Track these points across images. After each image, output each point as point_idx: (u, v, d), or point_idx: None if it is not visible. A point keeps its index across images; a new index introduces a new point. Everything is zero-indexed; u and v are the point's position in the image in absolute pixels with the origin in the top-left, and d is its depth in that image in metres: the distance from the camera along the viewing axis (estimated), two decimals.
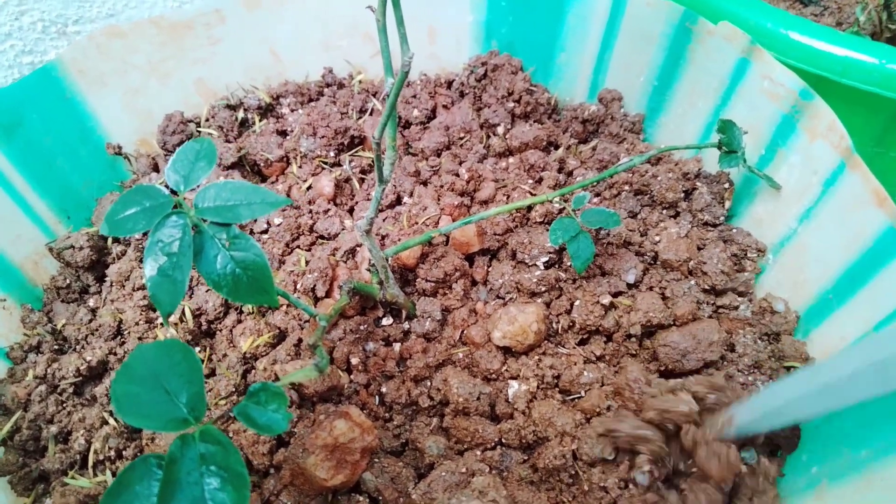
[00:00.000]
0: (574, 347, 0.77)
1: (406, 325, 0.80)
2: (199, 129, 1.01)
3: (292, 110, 1.03)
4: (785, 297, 0.77)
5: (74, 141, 0.92)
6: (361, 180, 0.96)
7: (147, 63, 0.96)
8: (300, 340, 0.76)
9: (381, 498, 0.65)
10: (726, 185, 0.86)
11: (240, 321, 0.81)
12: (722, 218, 0.85)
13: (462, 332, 0.80)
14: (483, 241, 0.84)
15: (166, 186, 0.52)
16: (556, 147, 0.98)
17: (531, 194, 0.88)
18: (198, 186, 0.51)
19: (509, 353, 0.78)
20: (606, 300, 0.78)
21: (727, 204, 0.85)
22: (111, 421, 0.71)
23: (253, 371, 0.75)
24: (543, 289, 0.81)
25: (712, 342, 0.72)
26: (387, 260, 0.75)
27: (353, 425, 0.64)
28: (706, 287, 0.78)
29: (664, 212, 0.86)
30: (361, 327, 0.79)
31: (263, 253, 0.48)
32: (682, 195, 0.86)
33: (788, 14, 0.87)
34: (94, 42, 0.91)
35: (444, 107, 1.04)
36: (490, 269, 0.85)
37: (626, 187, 0.88)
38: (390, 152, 0.65)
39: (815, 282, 0.74)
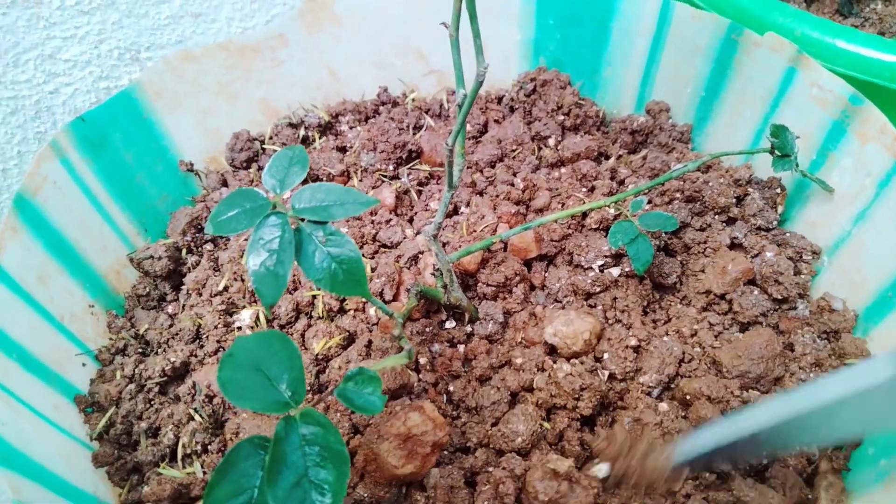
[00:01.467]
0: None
1: (468, 328, 0.84)
2: (263, 146, 1.07)
3: (351, 127, 1.08)
4: (842, 297, 0.79)
5: (151, 159, 0.98)
6: (419, 192, 1.01)
7: (216, 84, 1.02)
8: (370, 342, 0.80)
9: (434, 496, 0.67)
10: (778, 190, 0.88)
11: (310, 325, 0.85)
12: (775, 222, 0.87)
13: (522, 334, 0.83)
14: (540, 247, 0.88)
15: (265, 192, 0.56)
16: (607, 157, 1.02)
17: (585, 202, 0.91)
18: (292, 190, 0.56)
19: (554, 352, 0.80)
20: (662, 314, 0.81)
21: (780, 209, 0.87)
22: (196, 417, 0.75)
23: (327, 370, 0.78)
24: (598, 289, 0.84)
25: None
26: (451, 264, 0.79)
27: (426, 419, 0.67)
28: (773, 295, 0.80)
29: (716, 217, 0.89)
30: (427, 329, 0.82)
31: (357, 249, 0.52)
32: (734, 201, 0.88)
33: (834, 23, 0.89)
34: (169, 65, 0.97)
35: (496, 121, 1.09)
36: (547, 274, 0.88)
37: (678, 194, 0.91)
38: (459, 159, 0.68)
39: (873, 281, 0.76)
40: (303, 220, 0.54)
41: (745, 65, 0.92)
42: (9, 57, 1.01)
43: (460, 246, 0.88)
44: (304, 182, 1.01)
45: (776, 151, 0.80)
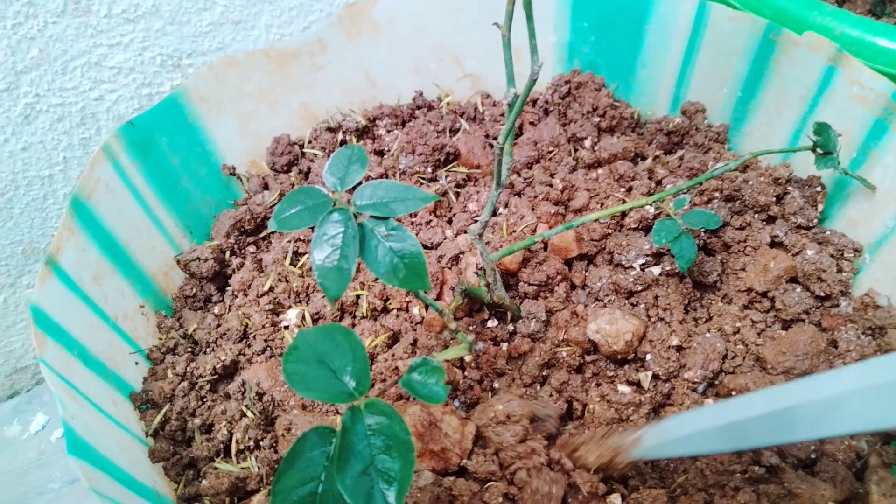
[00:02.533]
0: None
1: (511, 327, 0.85)
2: (303, 150, 1.09)
3: (388, 131, 1.10)
4: (886, 294, 0.79)
5: (196, 162, 1.00)
6: (457, 193, 1.02)
7: (258, 90, 1.04)
8: (415, 340, 0.81)
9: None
10: (818, 189, 0.89)
11: (354, 324, 0.86)
12: (815, 220, 0.87)
13: (565, 332, 0.83)
14: (581, 247, 0.88)
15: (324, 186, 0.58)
16: (643, 158, 1.02)
17: (624, 201, 0.92)
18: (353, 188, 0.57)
19: (596, 350, 0.81)
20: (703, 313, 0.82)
21: (820, 207, 0.88)
22: (248, 414, 0.77)
23: (373, 366, 0.80)
24: (640, 288, 0.85)
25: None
26: (494, 263, 0.80)
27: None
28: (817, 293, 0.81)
29: (756, 216, 0.89)
30: (470, 328, 0.83)
31: (419, 243, 0.54)
32: (774, 199, 0.89)
33: (874, 21, 0.89)
34: (213, 71, 0.99)
35: (531, 123, 1.10)
36: (588, 273, 0.89)
37: (717, 194, 0.91)
38: (508, 158, 0.70)
39: None
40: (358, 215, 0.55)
41: (784, 64, 0.92)
42: (57, 65, 1.03)
43: (501, 246, 0.89)
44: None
45: (818, 149, 0.81)
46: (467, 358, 0.80)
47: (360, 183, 0.57)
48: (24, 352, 1.22)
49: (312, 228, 0.55)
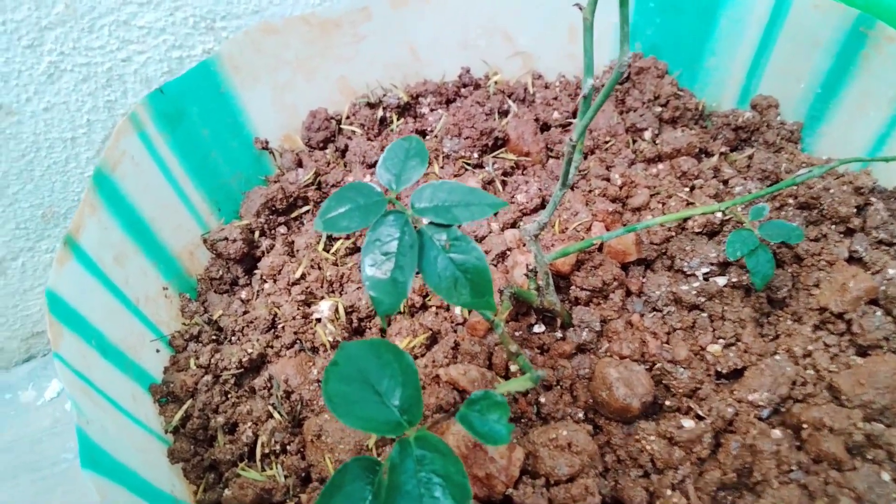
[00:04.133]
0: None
1: (559, 334, 0.78)
2: (340, 126, 1.02)
3: (432, 110, 1.03)
4: None
5: (226, 135, 0.93)
6: (504, 182, 0.95)
7: (296, 59, 0.97)
8: (457, 344, 0.75)
9: None
10: None
11: (390, 322, 0.80)
12: None
13: (617, 346, 0.77)
14: (640, 251, 0.81)
15: (378, 184, 0.51)
16: (708, 154, 0.95)
17: (689, 202, 0.85)
18: (413, 186, 0.51)
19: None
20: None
21: None
22: (275, 415, 0.71)
23: None
24: (703, 300, 0.78)
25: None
26: (548, 266, 0.73)
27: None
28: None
29: (833, 227, 0.81)
30: (516, 334, 0.77)
31: (484, 257, 0.47)
32: (855, 210, 0.81)
33: None
34: (249, 38, 0.93)
35: None
36: (645, 279, 0.82)
37: (791, 200, 0.83)
38: (578, 155, 0.63)
39: None
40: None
41: (873, 60, 0.84)
42: (84, 22, 0.97)
43: (552, 244, 0.82)
44: None
45: None
46: (512, 368, 0.74)
47: (418, 182, 0.51)
48: (41, 316, 1.18)
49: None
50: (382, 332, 0.79)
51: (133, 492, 0.56)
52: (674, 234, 0.83)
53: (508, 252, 0.84)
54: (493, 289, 0.78)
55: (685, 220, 0.83)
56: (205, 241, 0.88)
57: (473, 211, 0.48)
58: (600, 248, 0.83)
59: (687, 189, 0.88)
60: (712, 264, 0.79)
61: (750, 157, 0.91)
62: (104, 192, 0.74)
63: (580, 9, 0.56)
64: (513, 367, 0.74)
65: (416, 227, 0.48)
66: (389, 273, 0.46)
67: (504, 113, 1.02)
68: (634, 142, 0.97)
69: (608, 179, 0.89)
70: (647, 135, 0.96)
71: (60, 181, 1.16)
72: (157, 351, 0.78)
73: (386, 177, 0.51)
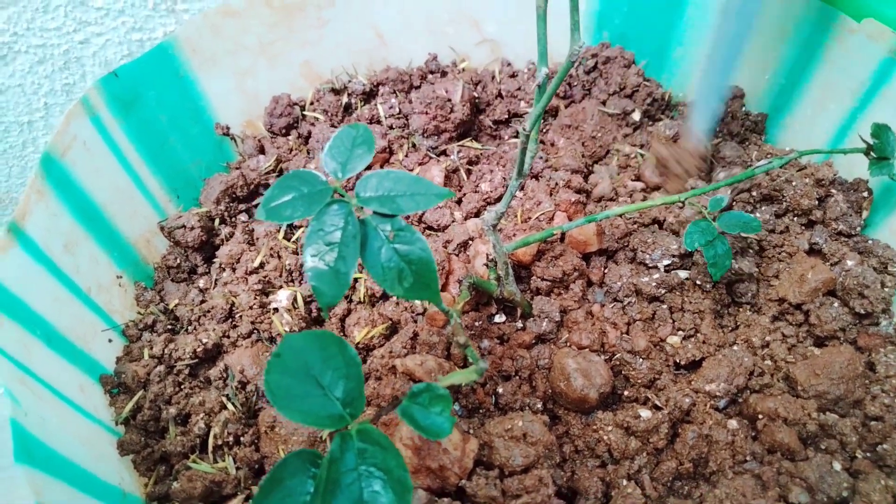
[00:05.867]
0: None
1: (520, 324, 0.78)
2: (304, 112, 1.00)
3: (396, 97, 1.01)
4: None
5: (185, 120, 0.91)
6: (468, 171, 0.94)
7: (258, 44, 0.95)
8: (416, 334, 0.74)
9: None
10: (864, 194, 0.81)
11: (350, 310, 0.79)
12: (858, 228, 0.80)
13: (577, 335, 0.76)
14: (602, 241, 0.81)
15: (325, 174, 0.50)
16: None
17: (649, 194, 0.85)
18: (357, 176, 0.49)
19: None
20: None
21: (865, 214, 0.80)
22: (229, 406, 0.70)
23: (369, 360, 0.73)
24: (663, 291, 0.78)
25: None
26: (507, 256, 0.72)
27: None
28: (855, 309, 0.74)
29: (795, 219, 0.82)
30: (476, 324, 0.77)
31: (429, 248, 0.46)
32: (816, 203, 0.81)
33: None
34: (208, 21, 0.90)
35: (557, 95, 1.01)
36: (607, 270, 0.81)
37: (754, 191, 0.83)
38: (533, 145, 0.62)
39: None
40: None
41: (836, 52, 0.84)
42: (38, 2, 0.94)
43: (514, 234, 0.82)
44: None
45: (873, 153, 0.73)
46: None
47: (364, 170, 0.50)
48: None
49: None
50: (341, 321, 0.78)
51: (74, 486, 0.55)
52: (637, 226, 0.83)
53: (471, 241, 0.83)
54: (452, 279, 0.78)
55: (648, 209, 0.83)
56: (162, 228, 0.86)
57: (418, 201, 0.47)
58: (562, 239, 0.82)
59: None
60: (674, 256, 0.78)
61: (716, 148, 0.91)
62: (53, 178, 0.72)
63: None
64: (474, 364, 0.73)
65: (360, 217, 0.47)
66: (332, 264, 0.45)
67: (472, 101, 1.01)
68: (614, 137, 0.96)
69: (575, 170, 0.89)
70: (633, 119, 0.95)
71: (18, 166, 1.14)
72: (110, 341, 0.77)
73: (331, 165, 0.49)
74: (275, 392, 0.46)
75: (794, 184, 0.81)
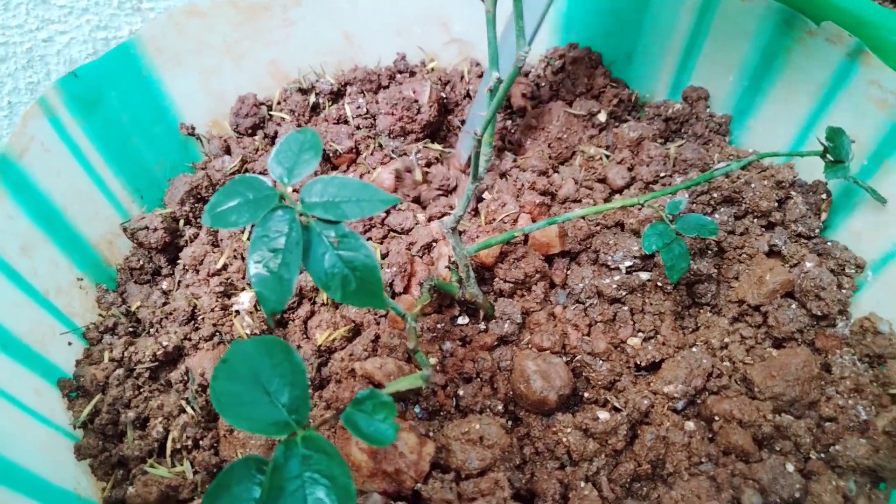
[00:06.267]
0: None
1: (483, 326, 0.78)
2: (270, 112, 1.00)
3: (363, 97, 1.01)
4: (888, 318, 0.73)
5: (149, 120, 0.91)
6: (426, 173, 0.94)
7: (223, 43, 0.95)
8: (377, 336, 0.74)
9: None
10: (823, 196, 0.82)
11: (313, 312, 0.79)
12: (818, 230, 0.81)
13: (538, 337, 0.77)
14: (564, 243, 0.81)
15: (262, 174, 0.50)
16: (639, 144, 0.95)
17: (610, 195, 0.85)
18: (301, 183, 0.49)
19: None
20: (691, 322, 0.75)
21: (824, 216, 0.81)
22: (188, 409, 0.70)
23: (329, 363, 0.73)
24: (624, 293, 0.79)
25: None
26: (469, 258, 0.73)
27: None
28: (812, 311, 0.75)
29: (755, 221, 0.82)
30: (438, 326, 0.77)
31: (373, 254, 0.46)
32: (776, 205, 0.82)
33: None
34: (172, 20, 0.90)
35: (524, 95, 1.01)
36: (570, 272, 0.82)
37: (715, 194, 0.84)
38: (487, 149, 0.62)
39: None
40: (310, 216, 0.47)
41: (797, 55, 0.84)
42: None
43: (479, 236, 0.82)
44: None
45: (829, 156, 0.73)
46: (432, 361, 0.73)
47: (311, 176, 0.50)
48: None
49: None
50: (304, 322, 0.78)
51: (25, 493, 0.55)
52: (599, 227, 0.83)
53: (434, 244, 0.83)
54: (415, 281, 0.78)
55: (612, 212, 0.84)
56: (124, 229, 0.85)
57: (364, 207, 0.47)
58: (525, 241, 0.82)
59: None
60: (635, 258, 0.79)
61: (679, 148, 0.92)
62: (8, 181, 0.71)
63: (482, 1, 0.55)
64: (432, 360, 0.74)
65: (304, 223, 0.47)
66: (276, 270, 0.45)
67: (438, 101, 1.01)
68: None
69: (541, 172, 0.89)
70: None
71: None
72: (70, 343, 0.76)
73: (277, 170, 0.49)
74: (220, 399, 0.46)
75: (753, 185, 0.81)
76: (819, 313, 0.74)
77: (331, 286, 0.46)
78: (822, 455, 0.67)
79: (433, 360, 0.74)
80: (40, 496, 0.56)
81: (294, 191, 0.51)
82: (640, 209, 0.82)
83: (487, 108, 0.56)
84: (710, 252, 0.80)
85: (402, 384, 0.51)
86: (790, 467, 0.65)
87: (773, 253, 0.81)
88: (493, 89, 0.56)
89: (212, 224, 0.47)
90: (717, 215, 0.82)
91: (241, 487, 0.45)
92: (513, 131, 0.99)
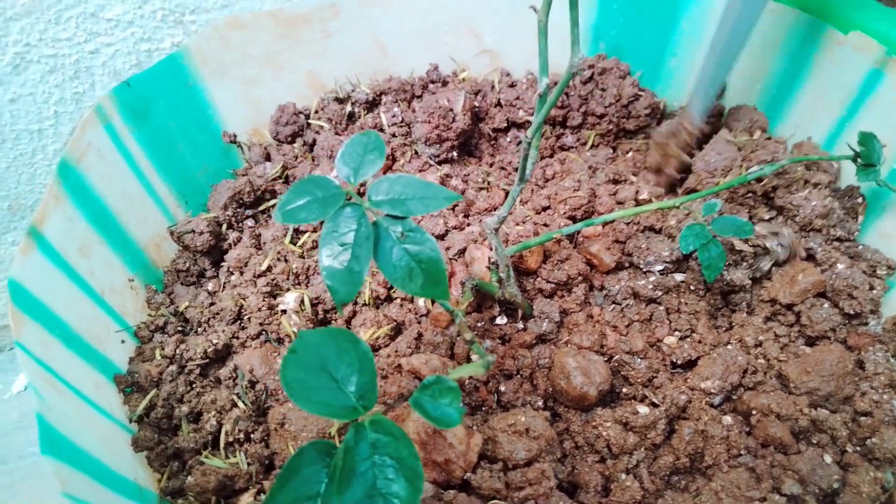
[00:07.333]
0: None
1: (521, 325, 0.80)
2: (308, 120, 1.03)
3: (398, 105, 1.04)
4: None
5: (194, 128, 0.94)
6: (465, 179, 0.97)
7: (264, 54, 0.98)
8: (420, 335, 0.77)
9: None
10: (859, 200, 0.84)
11: (356, 312, 0.82)
12: (855, 233, 0.83)
13: (577, 337, 0.79)
14: (612, 255, 0.83)
15: (336, 178, 0.52)
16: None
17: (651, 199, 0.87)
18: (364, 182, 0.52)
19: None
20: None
21: (860, 218, 0.83)
22: (240, 404, 0.72)
23: (376, 359, 0.75)
24: (660, 293, 0.81)
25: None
26: (509, 259, 0.75)
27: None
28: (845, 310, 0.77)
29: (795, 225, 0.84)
30: (479, 324, 0.79)
31: (438, 248, 0.49)
32: (819, 209, 0.84)
33: None
34: (217, 32, 0.93)
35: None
36: (606, 275, 0.84)
37: (750, 198, 0.86)
38: (534, 152, 0.64)
39: None
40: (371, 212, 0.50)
41: (825, 64, 0.87)
42: (51, 13, 0.97)
43: (520, 238, 0.84)
44: None
45: (860, 160, 0.76)
46: (473, 358, 0.76)
47: (375, 175, 0.52)
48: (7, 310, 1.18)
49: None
50: (347, 322, 0.81)
51: (94, 478, 0.57)
52: (635, 230, 0.85)
53: (468, 247, 0.85)
54: (455, 281, 0.80)
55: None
56: (171, 233, 0.88)
57: (428, 203, 0.49)
58: (575, 245, 0.85)
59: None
60: (666, 262, 0.81)
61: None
62: (69, 184, 0.74)
63: (535, 10, 0.58)
64: (474, 357, 0.76)
65: (372, 219, 0.50)
66: (346, 263, 0.48)
67: (471, 110, 1.04)
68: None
69: (579, 181, 0.92)
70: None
71: (27, 173, 1.16)
72: (123, 342, 0.79)
73: (344, 170, 0.52)
74: (291, 385, 0.48)
75: (796, 191, 0.83)
76: (851, 312, 0.76)
77: (398, 278, 0.48)
78: (859, 448, 0.69)
79: (475, 357, 0.76)
80: (108, 483, 0.59)
81: (358, 193, 0.54)
82: (672, 213, 0.84)
83: (537, 113, 0.59)
84: (743, 263, 0.81)
85: (465, 371, 0.53)
86: (828, 459, 0.67)
87: (809, 257, 0.83)
88: (542, 95, 0.59)
89: (283, 220, 0.50)
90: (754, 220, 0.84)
91: (312, 469, 0.47)
92: (558, 135, 1.02)
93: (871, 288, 0.79)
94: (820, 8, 0.89)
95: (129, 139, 0.84)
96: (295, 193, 0.51)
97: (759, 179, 0.85)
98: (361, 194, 0.53)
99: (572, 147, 1.01)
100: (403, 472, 0.45)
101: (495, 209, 0.92)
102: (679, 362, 0.77)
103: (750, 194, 0.86)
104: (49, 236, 0.70)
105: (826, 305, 0.78)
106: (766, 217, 0.84)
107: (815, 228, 0.83)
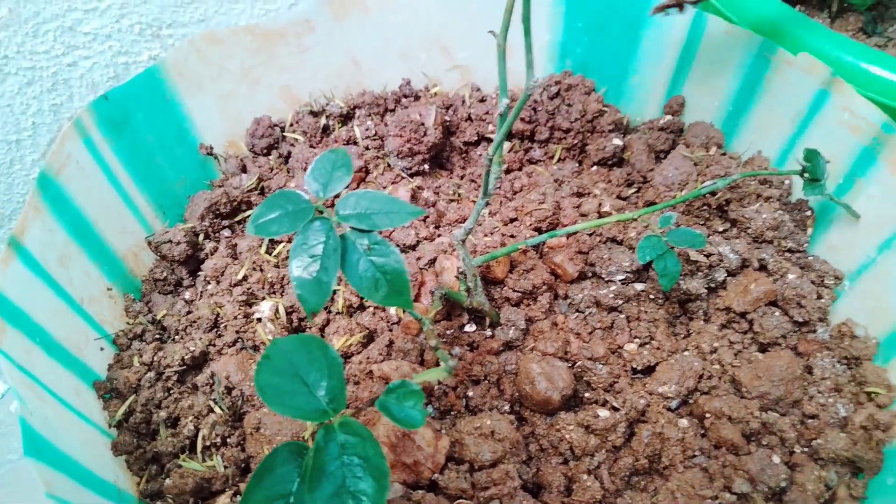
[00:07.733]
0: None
1: (489, 332, 0.83)
2: (284, 133, 1.05)
3: (371, 119, 1.07)
4: (863, 323, 0.80)
5: (171, 140, 0.96)
6: (436, 191, 1.00)
7: (240, 69, 1.01)
8: (391, 342, 0.79)
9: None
10: (808, 213, 0.88)
11: (329, 320, 0.84)
12: (805, 245, 0.87)
13: (542, 344, 0.82)
14: (575, 265, 0.87)
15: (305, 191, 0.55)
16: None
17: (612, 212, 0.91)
18: (336, 196, 0.55)
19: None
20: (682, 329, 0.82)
21: (809, 231, 0.88)
22: (216, 409, 0.75)
23: (348, 366, 0.78)
24: (621, 302, 0.84)
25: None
26: (476, 269, 0.78)
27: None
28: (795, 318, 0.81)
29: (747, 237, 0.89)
30: (448, 332, 0.82)
31: (402, 259, 0.52)
32: (770, 222, 0.88)
33: (869, 48, 0.89)
34: (194, 47, 0.95)
35: (521, 119, 1.07)
36: (570, 284, 0.87)
37: (705, 210, 0.90)
38: (496, 168, 0.68)
39: None
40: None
41: (776, 83, 0.91)
42: (28, 27, 0.98)
43: (488, 249, 0.88)
44: None
45: (807, 175, 0.80)
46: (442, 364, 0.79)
47: (348, 187, 0.55)
48: None
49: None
50: (321, 330, 0.83)
51: (76, 480, 0.59)
52: (597, 241, 0.89)
53: (437, 258, 0.89)
54: (425, 290, 0.84)
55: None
56: (149, 243, 0.90)
57: (393, 218, 0.53)
58: (540, 255, 0.88)
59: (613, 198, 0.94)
60: (627, 272, 0.85)
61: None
62: (48, 196, 0.76)
63: (494, 35, 0.61)
64: (442, 364, 0.79)
65: (340, 232, 0.53)
66: (315, 274, 0.51)
67: (443, 124, 1.07)
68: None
69: (543, 194, 0.95)
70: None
71: (5, 183, 1.17)
72: (102, 349, 0.81)
73: (314, 186, 0.55)
74: (265, 390, 0.51)
75: (748, 205, 0.88)
76: (801, 320, 0.81)
77: (364, 288, 0.52)
78: (806, 448, 0.73)
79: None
80: (90, 486, 0.61)
81: (328, 206, 0.57)
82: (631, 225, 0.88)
83: (498, 131, 0.62)
84: (699, 273, 0.85)
85: (429, 375, 0.56)
86: (776, 459, 0.71)
87: (761, 267, 0.87)
88: (502, 114, 0.62)
89: (256, 233, 0.53)
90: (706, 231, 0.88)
91: (285, 469, 0.50)
92: (526, 150, 1.06)
93: (819, 297, 0.83)
94: (772, 29, 0.94)
95: (107, 152, 0.87)
96: (267, 207, 0.54)
97: (713, 193, 0.90)
98: (332, 207, 0.56)
99: (540, 160, 1.05)
100: (370, 471, 0.48)
101: (465, 220, 0.95)
102: (639, 368, 0.81)
103: (705, 207, 0.90)
104: (29, 246, 0.72)
105: (777, 314, 0.82)
106: (720, 229, 0.88)
107: (766, 240, 0.87)
